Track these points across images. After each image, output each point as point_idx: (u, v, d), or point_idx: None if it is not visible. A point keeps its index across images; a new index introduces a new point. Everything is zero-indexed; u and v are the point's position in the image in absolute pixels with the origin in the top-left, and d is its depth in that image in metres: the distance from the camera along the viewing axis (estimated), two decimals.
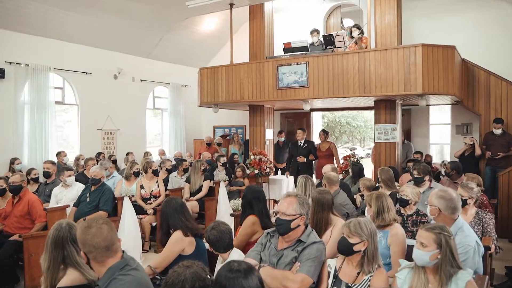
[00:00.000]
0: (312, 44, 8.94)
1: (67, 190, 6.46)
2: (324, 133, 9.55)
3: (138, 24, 10.15)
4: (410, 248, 3.11)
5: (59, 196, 6.46)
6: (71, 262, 2.69)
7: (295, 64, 8.15)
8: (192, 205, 7.61)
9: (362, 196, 6.02)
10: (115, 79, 10.63)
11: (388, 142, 8.17)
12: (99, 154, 9.71)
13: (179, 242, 3.46)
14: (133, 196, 6.50)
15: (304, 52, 8.27)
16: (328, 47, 8.15)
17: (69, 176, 6.36)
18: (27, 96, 8.88)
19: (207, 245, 3.40)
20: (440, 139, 10.25)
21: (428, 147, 10.18)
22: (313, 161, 9.57)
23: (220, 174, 8.81)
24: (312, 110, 11.29)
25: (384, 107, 8.24)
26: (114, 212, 6.11)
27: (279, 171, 10.95)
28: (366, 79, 7.44)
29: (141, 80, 11.43)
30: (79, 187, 6.41)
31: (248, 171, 9.13)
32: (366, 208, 4.12)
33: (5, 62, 8.56)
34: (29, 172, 7.42)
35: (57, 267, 2.71)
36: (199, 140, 12.59)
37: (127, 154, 10.30)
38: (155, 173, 7.07)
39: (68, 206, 5.73)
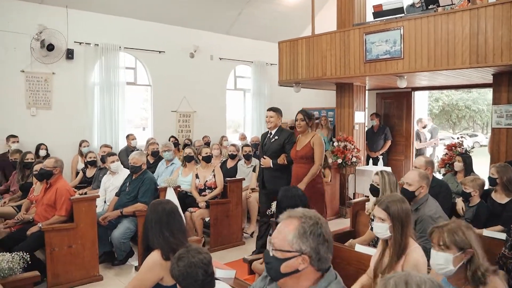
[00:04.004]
0: (413, 5, 7.28)
1: (113, 178, 5.85)
2: (306, 117, 5.06)
3: None
4: None
5: (107, 184, 5.90)
6: None
7: (386, 30, 6.61)
8: (257, 198, 6.64)
9: (466, 200, 4.48)
10: (191, 57, 9.90)
11: (511, 128, 6.29)
12: (172, 138, 9.17)
13: (155, 268, 2.45)
14: (178, 186, 5.64)
15: (399, 15, 6.68)
16: (429, 7, 6.44)
17: (113, 162, 5.71)
18: (97, 77, 8.53)
19: None
20: None
21: None
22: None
23: None
24: (414, 89, 9.51)
25: (506, 82, 6.34)
26: None
27: (371, 161, 9.45)
28: (480, 44, 5.66)
29: (220, 59, 10.58)
30: (126, 174, 5.73)
31: (330, 160, 7.85)
32: None
33: (75, 42, 8.25)
34: (85, 154, 7.03)
35: None
36: (284, 123, 11.46)
37: (203, 138, 9.62)
38: (207, 159, 6.14)
39: (98, 196, 5.03)
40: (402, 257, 2.48)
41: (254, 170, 6.94)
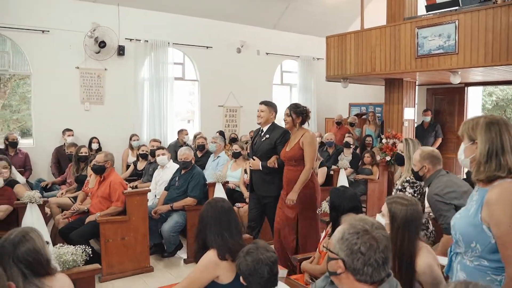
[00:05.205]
0: None
1: (163, 172, 5.99)
2: (292, 112, 4.40)
3: None
4: None
5: (157, 178, 6.04)
6: None
7: (440, 24, 6.38)
8: None
9: None
10: (238, 53, 9.96)
11: None
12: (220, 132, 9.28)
13: (211, 268, 2.48)
14: (226, 182, 5.70)
15: (454, 7, 6.42)
16: None
17: (158, 156, 5.85)
18: (146, 73, 8.75)
19: None
20: None
21: None
22: None
23: (345, 158, 7.58)
24: (468, 84, 9.14)
25: None
26: (205, 199, 5.38)
27: None
28: None
29: (267, 54, 10.58)
30: (174, 168, 5.85)
31: (378, 158, 7.70)
32: None
33: (125, 39, 8.49)
34: (138, 147, 7.25)
35: None
36: (331, 119, 11.33)
37: (250, 133, 9.68)
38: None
39: (149, 190, 5.16)
40: (413, 267, 2.27)
41: None
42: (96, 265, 3.04)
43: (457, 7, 6.40)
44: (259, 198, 4.73)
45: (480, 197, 1.94)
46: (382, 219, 2.40)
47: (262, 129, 4.72)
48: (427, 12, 6.86)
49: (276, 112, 4.75)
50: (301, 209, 4.28)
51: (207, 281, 2.49)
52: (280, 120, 4.76)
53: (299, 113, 4.35)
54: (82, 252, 2.90)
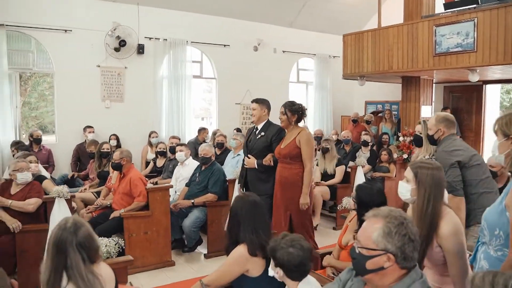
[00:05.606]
0: None
1: (183, 168, 6.10)
2: (287, 110, 4.32)
3: None
4: None
5: (177, 175, 6.15)
6: (74, 274, 1.97)
7: (458, 22, 6.38)
8: (323, 191, 6.69)
9: None
10: (255, 51, 10.04)
11: None
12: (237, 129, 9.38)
13: (241, 262, 2.55)
14: None
15: (473, 5, 6.42)
16: None
17: (177, 152, 5.97)
18: (165, 71, 8.90)
19: None
20: None
21: None
22: None
23: (363, 155, 7.62)
24: (486, 82, 9.10)
25: None
26: (225, 195, 5.49)
27: None
28: None
29: (283, 52, 10.65)
30: (194, 165, 5.97)
31: (395, 155, 7.72)
32: None
33: (145, 37, 8.65)
34: (156, 145, 7.37)
35: (59, 280, 1.99)
36: (347, 116, 11.35)
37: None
38: None
39: (171, 186, 5.29)
40: (434, 227, 2.28)
41: (317, 164, 6.98)
42: (129, 257, 3.15)
43: (475, 5, 6.41)
44: None
45: (510, 187, 2.00)
46: (407, 184, 2.41)
47: (256, 127, 4.66)
48: (445, 10, 6.89)
49: (269, 109, 4.64)
50: (295, 209, 4.30)
51: (237, 274, 2.57)
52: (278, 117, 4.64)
53: (294, 111, 4.27)
54: (115, 244, 3.02)
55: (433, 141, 3.52)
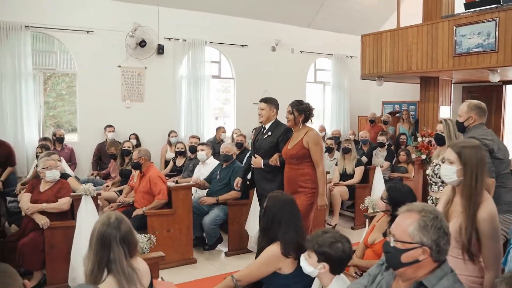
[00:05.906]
0: None
1: (203, 168, 6.19)
2: (294, 109, 4.18)
3: None
4: None
5: (198, 174, 6.24)
6: (116, 268, 2.05)
7: (479, 22, 6.36)
8: (341, 191, 6.73)
9: None
10: (273, 51, 10.09)
11: None
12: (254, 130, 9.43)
13: (274, 262, 2.61)
14: None
15: (494, 5, 6.38)
16: None
17: (198, 151, 6.06)
18: (184, 71, 8.98)
19: None
20: None
21: None
22: None
23: (380, 154, 7.64)
24: (506, 82, 9.02)
25: None
26: (246, 194, 5.55)
27: None
28: None
29: (301, 52, 10.67)
30: (214, 164, 6.05)
31: (413, 156, 7.70)
32: None
33: (165, 38, 8.74)
34: (174, 145, 7.47)
35: (102, 272, 2.08)
36: (364, 117, 11.34)
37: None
38: None
39: (194, 185, 5.37)
40: (478, 207, 2.28)
41: (336, 164, 7.01)
42: (160, 253, 3.23)
43: (497, 5, 6.37)
44: (259, 195, 4.70)
45: None
46: (451, 166, 2.39)
47: (264, 127, 4.59)
48: (466, 10, 6.85)
49: (277, 108, 4.57)
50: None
51: (269, 272, 2.62)
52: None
53: (301, 110, 4.13)
54: (147, 240, 3.10)
55: (462, 128, 3.55)
